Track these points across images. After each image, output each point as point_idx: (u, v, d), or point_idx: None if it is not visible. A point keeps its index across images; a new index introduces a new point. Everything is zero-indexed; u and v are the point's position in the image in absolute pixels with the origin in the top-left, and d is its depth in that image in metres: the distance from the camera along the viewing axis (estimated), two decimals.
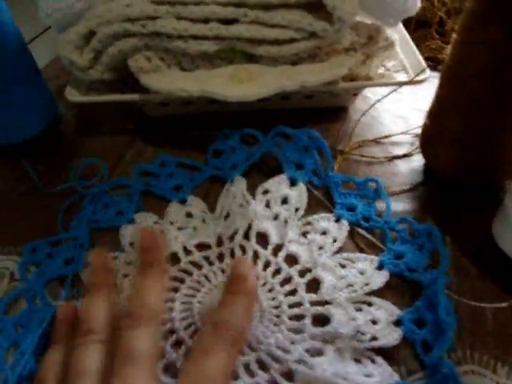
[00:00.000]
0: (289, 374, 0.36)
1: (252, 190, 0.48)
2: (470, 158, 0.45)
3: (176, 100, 0.54)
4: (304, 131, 0.51)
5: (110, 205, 0.49)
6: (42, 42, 0.79)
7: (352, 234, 0.45)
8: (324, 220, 0.45)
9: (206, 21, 0.47)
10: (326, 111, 0.58)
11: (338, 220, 0.46)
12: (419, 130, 0.50)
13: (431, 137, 0.48)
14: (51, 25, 0.51)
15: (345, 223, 0.45)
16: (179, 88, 0.48)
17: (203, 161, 0.53)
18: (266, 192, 0.48)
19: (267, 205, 0.47)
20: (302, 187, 0.48)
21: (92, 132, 0.59)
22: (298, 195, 0.48)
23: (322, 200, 0.48)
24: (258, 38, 0.46)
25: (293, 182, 0.49)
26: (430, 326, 0.37)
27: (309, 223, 0.45)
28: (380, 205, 0.46)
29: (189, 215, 0.48)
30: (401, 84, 0.51)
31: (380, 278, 0.41)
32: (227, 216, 0.47)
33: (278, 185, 0.49)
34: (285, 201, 0.48)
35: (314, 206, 0.47)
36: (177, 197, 0.49)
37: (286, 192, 0.48)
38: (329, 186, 0.48)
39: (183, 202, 0.49)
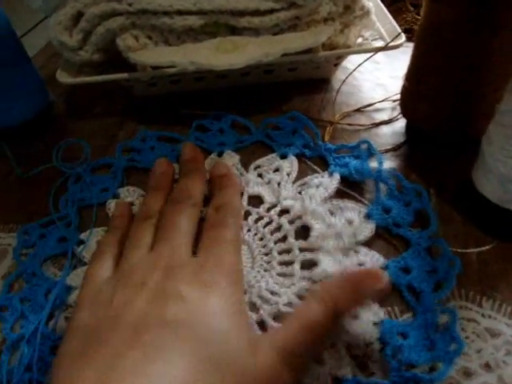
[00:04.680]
0: (277, 316, 0.37)
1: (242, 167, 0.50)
2: (449, 112, 0.47)
3: (163, 79, 0.56)
4: (287, 116, 0.53)
5: (94, 183, 0.50)
6: (35, 35, 0.81)
7: (342, 190, 0.46)
8: (318, 177, 0.47)
9: None
10: (308, 83, 0.60)
11: (330, 175, 0.47)
12: (398, 96, 0.53)
13: (410, 97, 0.50)
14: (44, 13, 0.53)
15: (336, 175, 0.47)
16: (168, 60, 0.50)
17: (186, 135, 0.55)
18: (257, 167, 0.50)
19: (260, 175, 0.49)
20: (292, 158, 0.50)
21: (83, 116, 0.61)
22: (289, 164, 0.49)
23: (314, 168, 0.49)
24: (240, 9, 0.49)
25: (283, 157, 0.50)
26: (415, 273, 0.39)
27: (303, 183, 0.47)
28: (371, 164, 0.48)
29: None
30: (378, 50, 0.53)
31: (367, 229, 0.42)
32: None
33: (269, 160, 0.50)
34: (277, 170, 0.49)
35: (307, 175, 0.49)
36: None
37: (277, 164, 0.49)
38: (321, 154, 0.50)
39: None
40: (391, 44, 0.52)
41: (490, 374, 0.33)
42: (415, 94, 0.49)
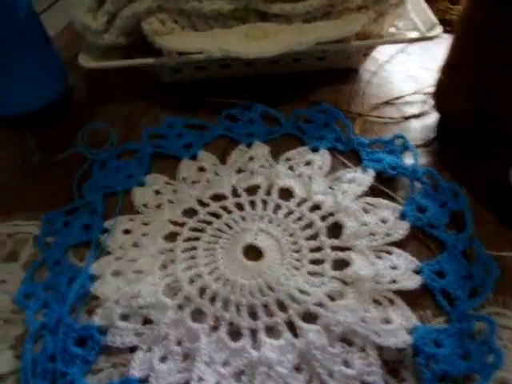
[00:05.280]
0: (305, 316, 0.36)
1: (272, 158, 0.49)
2: (484, 109, 0.45)
3: (189, 65, 0.55)
4: (318, 108, 0.52)
5: (120, 169, 0.49)
6: (53, 13, 0.79)
7: (374, 186, 0.45)
8: (350, 172, 0.46)
9: None
10: (336, 73, 0.58)
11: (364, 171, 0.46)
12: (430, 89, 0.51)
13: (446, 91, 0.48)
14: None
15: (370, 171, 0.45)
16: (196, 47, 0.48)
17: (214, 123, 0.53)
18: (288, 159, 0.49)
19: (290, 168, 0.48)
20: (324, 152, 0.48)
21: (105, 101, 0.59)
22: (321, 158, 0.48)
23: (347, 163, 0.48)
24: None
25: (315, 151, 0.49)
26: (450, 278, 0.38)
27: (335, 178, 0.46)
28: (406, 161, 0.47)
29: (201, 169, 0.48)
30: (414, 41, 0.51)
31: (401, 229, 0.41)
32: (239, 171, 0.47)
33: (300, 153, 0.49)
34: (308, 163, 0.48)
35: (339, 169, 0.47)
36: (187, 154, 0.50)
37: (308, 157, 0.48)
38: (354, 148, 0.48)
39: (194, 158, 0.49)
40: (427, 35, 0.50)
41: None
42: (451, 89, 0.47)
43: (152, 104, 0.58)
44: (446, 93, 0.48)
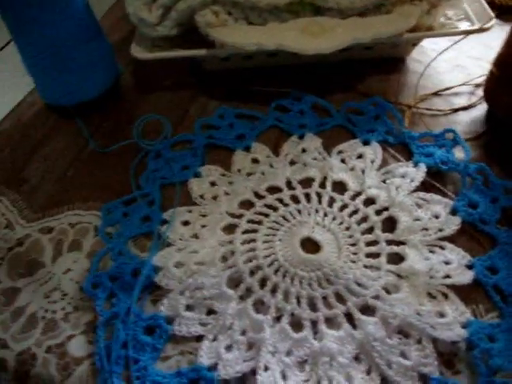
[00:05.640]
0: (363, 308, 0.38)
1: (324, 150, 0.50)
2: None
3: (237, 54, 0.55)
4: (370, 101, 0.53)
5: (174, 160, 0.50)
6: None
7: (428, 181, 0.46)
8: (402, 167, 0.47)
9: None
10: (383, 62, 0.58)
11: (416, 165, 0.47)
12: (480, 80, 0.51)
13: (497, 83, 0.48)
14: None
15: (422, 166, 0.46)
16: (253, 42, 0.49)
17: (264, 113, 0.54)
18: (340, 152, 0.49)
19: (343, 161, 0.49)
20: (375, 145, 0.49)
21: (153, 88, 0.60)
22: (373, 151, 0.49)
23: (397, 157, 0.48)
24: None
25: (366, 144, 0.50)
26: (503, 274, 0.39)
27: (387, 172, 0.47)
28: (457, 154, 0.47)
29: (255, 161, 0.49)
30: (467, 33, 0.51)
31: (453, 224, 0.42)
32: (292, 163, 0.49)
33: (352, 146, 0.50)
34: (360, 157, 0.49)
35: (390, 163, 0.48)
36: (241, 145, 0.51)
37: (360, 150, 0.49)
38: (404, 141, 0.49)
39: (247, 149, 0.51)
40: (481, 27, 0.50)
41: None
42: (503, 81, 0.47)
43: (199, 92, 0.59)
44: (496, 85, 0.48)
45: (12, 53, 0.57)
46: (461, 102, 0.53)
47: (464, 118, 0.52)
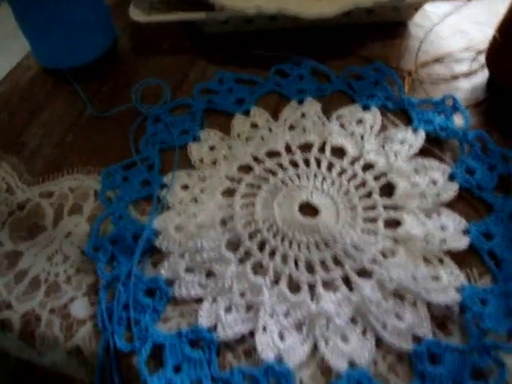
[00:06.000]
0: (360, 272, 0.39)
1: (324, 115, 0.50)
2: None
3: (237, 18, 0.54)
4: (370, 66, 0.52)
5: (174, 124, 0.50)
6: None
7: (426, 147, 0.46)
8: (401, 132, 0.47)
9: None
10: (385, 27, 0.58)
11: (415, 131, 0.47)
12: (482, 46, 0.50)
13: (501, 51, 0.48)
14: None
15: (421, 132, 0.46)
16: (253, 5, 0.48)
17: (263, 77, 0.54)
18: (339, 117, 0.49)
19: (342, 126, 0.49)
20: (375, 110, 0.49)
21: (151, 52, 0.60)
22: (372, 117, 0.49)
23: (397, 123, 0.48)
24: None
25: (366, 109, 0.50)
26: (498, 240, 0.39)
27: (386, 137, 0.47)
28: (456, 121, 0.47)
29: (254, 125, 0.49)
30: None
31: (450, 190, 0.42)
32: (291, 127, 0.49)
33: (351, 111, 0.50)
34: (359, 122, 0.49)
35: (389, 128, 0.48)
36: (240, 109, 0.51)
37: (360, 115, 0.49)
38: (404, 107, 0.49)
39: (247, 113, 0.51)
40: None
41: None
42: (506, 48, 0.47)
43: (198, 56, 0.58)
44: (499, 52, 0.48)
45: (6, 15, 0.56)
46: (462, 68, 0.53)
47: (465, 84, 0.52)
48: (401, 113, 0.49)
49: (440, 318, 0.36)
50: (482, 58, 0.52)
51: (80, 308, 0.39)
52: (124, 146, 0.49)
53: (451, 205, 0.42)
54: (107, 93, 0.55)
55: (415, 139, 0.46)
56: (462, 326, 0.36)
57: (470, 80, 0.52)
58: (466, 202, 0.42)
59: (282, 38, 0.58)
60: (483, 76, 0.52)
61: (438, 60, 0.54)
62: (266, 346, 0.35)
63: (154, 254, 0.42)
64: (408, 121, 0.48)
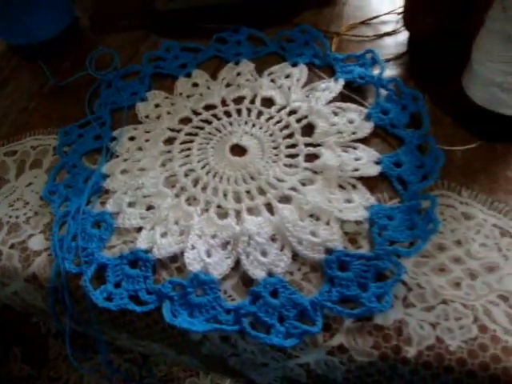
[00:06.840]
0: (281, 200, 0.43)
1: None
2: (448, 24, 0.50)
3: None
4: (298, 28, 0.58)
5: (124, 88, 0.56)
6: None
7: (346, 94, 0.51)
8: (325, 83, 0.52)
9: None
10: None
11: (336, 81, 0.52)
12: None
13: (414, 9, 0.53)
14: None
15: (341, 80, 0.51)
16: None
17: (206, 45, 0.59)
18: (270, 73, 0.55)
19: (272, 80, 0.54)
20: (302, 66, 0.54)
21: (109, 30, 0.66)
22: (299, 71, 0.54)
23: (322, 76, 0.53)
24: None
25: (295, 66, 0.55)
26: (406, 167, 0.44)
27: (312, 88, 0.52)
28: (375, 72, 0.52)
29: (195, 85, 0.55)
30: None
31: (366, 128, 0.47)
32: (228, 85, 0.54)
33: (281, 68, 0.55)
34: (288, 76, 0.54)
35: (315, 81, 0.53)
36: (183, 73, 0.56)
37: (288, 71, 0.54)
38: (330, 63, 0.54)
39: (189, 76, 0.56)
40: None
41: (460, 249, 0.39)
42: (419, 6, 0.52)
43: (150, 32, 0.64)
44: (413, 11, 0.53)
45: None
46: (387, 29, 0.58)
47: (389, 42, 0.57)
48: (328, 69, 0.54)
49: (352, 234, 0.41)
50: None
51: (37, 243, 0.45)
52: (82, 112, 0.55)
53: (367, 141, 0.47)
54: (68, 66, 0.61)
55: (335, 86, 0.51)
56: (371, 240, 0.40)
57: (393, 38, 0.57)
58: (381, 138, 0.47)
59: (225, 12, 0.63)
60: (406, 34, 0.57)
61: (365, 23, 0.59)
62: (193, 261, 0.40)
63: (103, 195, 0.47)
64: (333, 74, 0.53)
